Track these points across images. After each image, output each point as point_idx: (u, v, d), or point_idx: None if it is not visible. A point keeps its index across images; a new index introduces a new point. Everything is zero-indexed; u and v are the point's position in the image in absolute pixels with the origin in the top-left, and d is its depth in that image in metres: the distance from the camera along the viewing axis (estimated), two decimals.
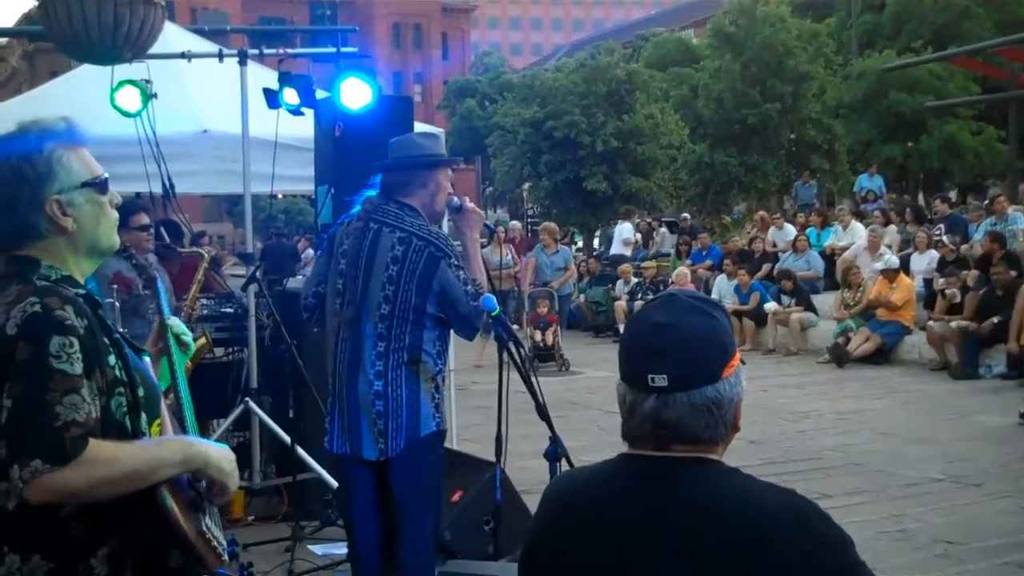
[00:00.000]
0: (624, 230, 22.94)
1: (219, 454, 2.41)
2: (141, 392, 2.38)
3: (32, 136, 2.38)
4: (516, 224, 20.22)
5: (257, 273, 7.07)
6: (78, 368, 2.18)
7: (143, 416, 2.37)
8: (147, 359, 2.56)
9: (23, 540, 2.20)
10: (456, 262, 4.38)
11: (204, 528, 2.35)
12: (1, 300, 2.25)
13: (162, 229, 8.07)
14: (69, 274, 2.38)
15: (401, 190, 4.51)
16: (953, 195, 30.29)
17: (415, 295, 4.33)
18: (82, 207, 2.38)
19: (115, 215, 2.49)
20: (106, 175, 2.46)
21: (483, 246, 5.40)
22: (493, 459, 4.83)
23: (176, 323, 2.83)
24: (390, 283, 4.35)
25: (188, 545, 2.30)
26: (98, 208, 2.42)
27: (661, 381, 1.92)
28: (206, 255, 7.57)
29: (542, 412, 4.28)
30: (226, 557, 2.39)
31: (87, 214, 2.40)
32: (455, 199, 4.65)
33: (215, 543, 2.37)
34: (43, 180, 2.33)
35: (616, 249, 22.62)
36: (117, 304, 5.42)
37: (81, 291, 2.36)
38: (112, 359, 2.31)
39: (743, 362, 2.04)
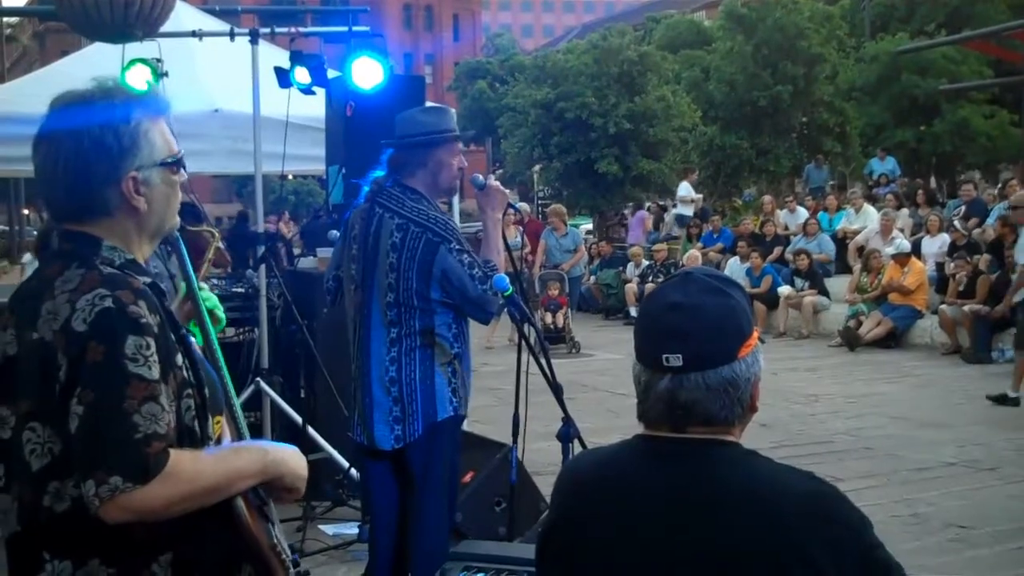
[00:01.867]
0: (683, 187, 22.61)
1: (295, 460, 2.24)
2: (207, 392, 2.20)
3: (120, 102, 2.16)
4: (524, 206, 20.13)
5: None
6: (155, 372, 1.99)
7: (210, 418, 2.20)
8: (192, 340, 2.34)
9: (76, 544, 2.02)
10: (457, 246, 4.25)
11: (275, 540, 2.22)
12: (60, 285, 2.04)
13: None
14: (133, 258, 2.17)
15: (403, 170, 4.42)
16: (976, 176, 30.18)
17: (415, 282, 4.24)
18: (157, 187, 2.18)
19: (180, 194, 2.29)
20: (182, 152, 2.28)
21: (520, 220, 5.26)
22: (504, 441, 4.83)
23: (208, 295, 2.61)
24: (391, 271, 4.28)
25: (263, 559, 2.16)
26: (171, 189, 2.23)
27: (676, 361, 1.91)
28: (216, 235, 7.57)
29: (557, 392, 4.26)
30: (292, 570, 2.24)
31: (160, 195, 2.20)
32: (479, 177, 4.54)
33: (284, 556, 2.22)
34: (125, 154, 2.12)
35: (678, 210, 22.17)
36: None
37: (148, 280, 2.15)
38: (180, 357, 2.12)
39: (762, 340, 2.01)
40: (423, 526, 4.37)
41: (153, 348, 2.00)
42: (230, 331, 7.79)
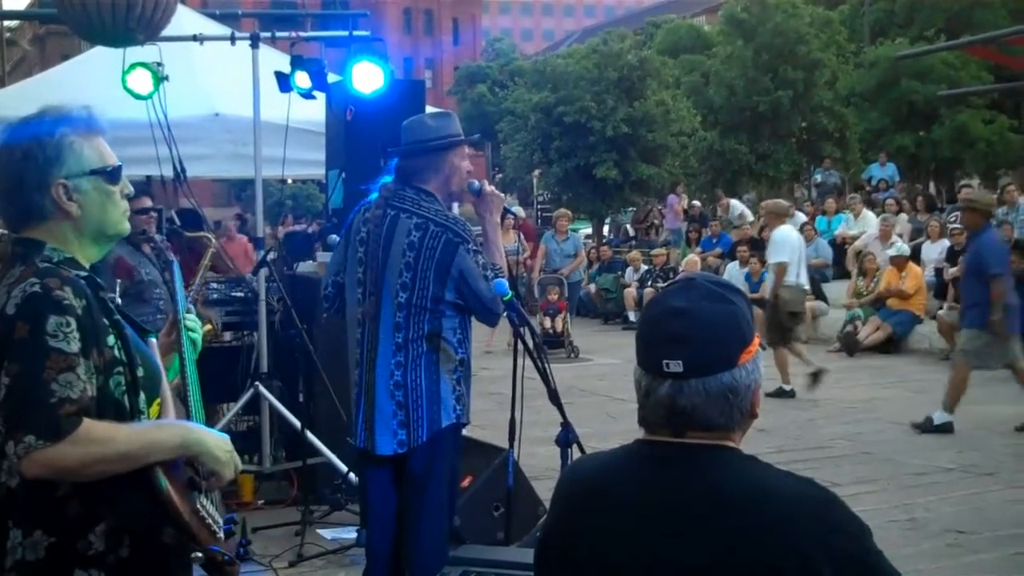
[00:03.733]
0: (736, 206, 22.19)
1: (215, 442, 2.43)
2: (140, 372, 2.42)
3: (47, 120, 2.43)
4: (519, 210, 20.12)
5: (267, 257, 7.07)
6: (74, 347, 2.22)
7: (142, 396, 2.42)
8: (152, 340, 2.59)
9: (25, 516, 2.27)
10: (475, 247, 4.30)
11: (198, 507, 2.38)
12: (5, 281, 2.31)
13: (173, 214, 8.08)
14: (72, 256, 2.42)
15: (416, 176, 4.42)
16: (975, 184, 30.17)
17: (433, 282, 4.25)
18: (88, 193, 2.42)
19: (125, 204, 2.53)
20: (119, 164, 2.50)
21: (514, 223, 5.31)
22: (502, 445, 4.83)
23: (191, 321, 2.82)
24: (407, 269, 4.28)
25: (182, 523, 2.32)
26: (105, 196, 2.46)
27: (676, 367, 1.91)
28: (213, 240, 7.57)
29: (554, 397, 4.26)
30: (221, 535, 2.42)
31: (93, 201, 2.43)
32: (476, 182, 4.58)
33: (209, 520, 2.39)
34: (50, 163, 2.38)
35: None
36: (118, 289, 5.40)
37: (83, 273, 2.40)
38: (111, 339, 2.35)
39: (763, 347, 2.02)
40: (421, 531, 4.36)
41: (74, 326, 2.24)
42: (228, 335, 7.80)
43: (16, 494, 2.25)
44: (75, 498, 2.27)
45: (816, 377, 11.00)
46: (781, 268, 11.22)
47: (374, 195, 4.50)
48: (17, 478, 2.22)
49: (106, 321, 2.36)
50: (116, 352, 2.36)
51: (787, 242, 11.39)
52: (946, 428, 9.16)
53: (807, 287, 11.93)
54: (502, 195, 4.73)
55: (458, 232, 4.29)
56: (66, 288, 2.27)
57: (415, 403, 4.28)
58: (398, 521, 4.44)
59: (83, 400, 2.20)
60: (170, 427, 2.45)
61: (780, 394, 10.98)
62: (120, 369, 2.36)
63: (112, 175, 2.48)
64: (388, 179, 4.49)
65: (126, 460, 2.25)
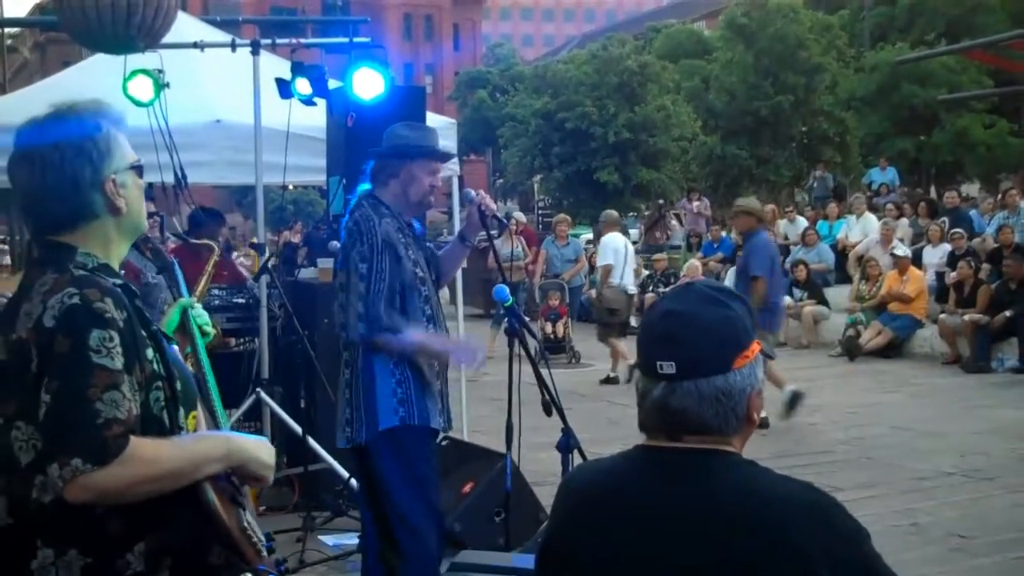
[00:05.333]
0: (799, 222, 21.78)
1: (258, 447, 2.36)
2: (179, 386, 2.33)
3: (88, 115, 2.35)
4: (520, 215, 20.06)
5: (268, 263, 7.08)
6: (118, 363, 2.12)
7: (180, 410, 2.33)
8: (175, 347, 2.52)
9: (58, 534, 2.14)
10: (366, 252, 4.32)
11: (245, 524, 2.30)
12: (36, 288, 2.19)
13: (196, 212, 8.17)
14: (106, 262, 2.32)
15: (377, 180, 4.56)
16: (975, 189, 30.19)
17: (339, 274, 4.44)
18: (130, 188, 2.37)
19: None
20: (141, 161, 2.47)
21: (495, 238, 5.37)
22: (503, 450, 4.82)
23: (199, 312, 2.78)
24: (340, 268, 4.47)
25: (232, 541, 2.24)
26: (139, 190, 2.41)
27: (669, 368, 1.93)
28: (216, 247, 7.58)
29: (548, 408, 4.28)
30: (265, 552, 2.34)
31: (134, 196, 2.38)
32: (470, 192, 4.69)
33: (255, 538, 2.31)
34: (102, 159, 2.31)
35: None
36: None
37: (119, 281, 2.30)
38: (150, 352, 2.25)
39: (770, 357, 2.02)
40: (396, 529, 4.35)
41: (117, 341, 2.13)
42: (232, 341, 7.79)
43: (48, 511, 2.11)
44: (115, 515, 2.14)
45: (630, 371, 11.77)
46: (606, 269, 13.06)
47: (352, 203, 4.63)
48: (52, 494, 2.09)
49: (144, 333, 2.25)
50: (155, 366, 2.25)
51: (612, 248, 13.21)
52: (796, 399, 9.72)
53: (630, 289, 13.36)
54: (494, 206, 4.78)
55: (353, 231, 4.37)
56: (107, 299, 2.17)
57: (356, 405, 4.39)
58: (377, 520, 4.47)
59: (130, 420, 2.10)
60: (212, 439, 2.38)
61: (608, 381, 12.66)
62: (159, 384, 2.26)
63: (141, 170, 2.43)
64: (366, 186, 4.60)
65: (174, 478, 2.16)
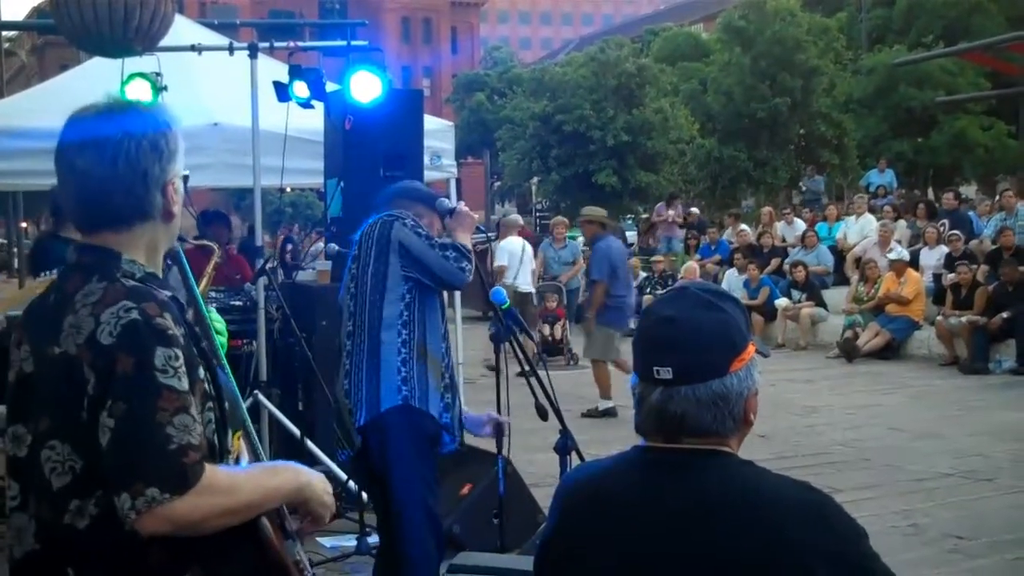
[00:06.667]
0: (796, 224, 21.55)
1: (323, 486, 2.23)
2: (226, 405, 2.20)
3: (158, 112, 2.23)
4: (517, 218, 20.06)
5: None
6: (184, 384, 1.97)
7: (229, 433, 2.21)
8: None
9: (95, 564, 1.99)
10: (412, 222, 4.40)
11: (298, 557, 2.22)
12: (81, 299, 2.02)
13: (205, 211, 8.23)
14: (153, 271, 2.17)
15: (390, 205, 4.61)
16: (973, 190, 30.22)
17: (372, 261, 4.38)
18: (181, 196, 2.23)
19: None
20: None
21: (491, 240, 5.40)
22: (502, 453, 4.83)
23: (213, 315, 2.66)
24: (354, 262, 4.48)
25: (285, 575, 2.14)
26: (184, 202, 2.28)
27: (666, 374, 1.93)
28: (217, 248, 7.58)
29: (541, 412, 4.30)
30: None
31: (181, 205, 2.25)
32: (445, 201, 4.72)
33: (307, 572, 2.24)
34: (171, 159, 2.17)
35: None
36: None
37: (169, 293, 2.15)
38: (202, 371, 2.10)
39: (765, 355, 2.03)
40: (397, 524, 4.37)
41: (181, 360, 1.98)
42: (240, 343, 7.80)
43: (83, 537, 1.96)
44: (158, 546, 1.96)
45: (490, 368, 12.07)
46: (500, 270, 13.77)
47: (357, 235, 4.65)
48: (88, 519, 1.95)
49: (195, 350, 2.10)
50: (207, 385, 2.10)
51: (509, 250, 14.16)
52: (610, 413, 10.42)
53: (523, 289, 14.10)
54: (474, 215, 4.81)
55: (391, 213, 4.45)
56: (166, 315, 2.01)
57: (356, 387, 4.38)
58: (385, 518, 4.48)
59: (203, 446, 1.95)
60: (284, 471, 2.20)
61: (489, 369, 12.88)
62: (211, 404, 2.10)
63: (186, 180, 2.30)
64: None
65: (248, 510, 2.03)
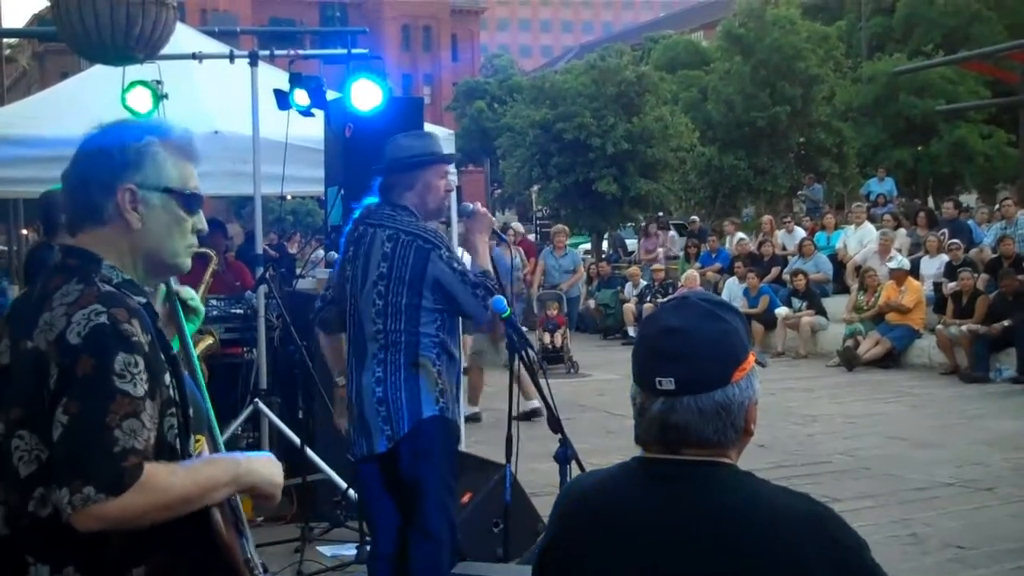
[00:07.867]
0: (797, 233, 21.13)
1: (267, 466, 2.31)
2: (190, 412, 2.27)
3: (141, 125, 2.35)
4: (518, 226, 20.08)
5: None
6: (140, 390, 2.05)
7: (191, 438, 2.28)
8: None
9: (56, 551, 2.08)
10: (447, 253, 4.42)
11: (249, 555, 2.25)
12: (59, 298, 2.12)
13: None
14: (131, 278, 2.25)
15: (392, 192, 4.57)
16: (973, 199, 30.21)
17: (407, 289, 4.38)
18: (155, 210, 2.26)
19: (193, 240, 2.35)
20: (200, 195, 2.36)
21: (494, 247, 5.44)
22: (502, 461, 4.83)
23: (187, 290, 2.68)
24: (381, 280, 4.42)
25: (237, 572, 2.19)
26: (173, 221, 2.30)
27: (668, 384, 1.93)
28: (214, 256, 7.57)
29: (553, 425, 4.31)
30: None
31: (158, 220, 2.27)
32: (468, 205, 4.72)
33: (257, 571, 2.27)
34: (125, 167, 2.23)
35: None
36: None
37: (143, 300, 2.24)
38: (167, 377, 2.18)
39: (763, 365, 2.03)
40: (428, 513, 4.37)
41: (142, 366, 2.07)
42: (240, 351, 7.79)
43: (45, 525, 2.06)
44: (116, 536, 2.06)
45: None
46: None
47: (356, 214, 4.66)
48: (50, 508, 2.05)
49: (163, 357, 2.18)
50: (171, 392, 2.18)
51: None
52: (475, 418, 10.34)
53: None
54: (492, 217, 4.85)
55: (428, 239, 4.42)
56: (134, 321, 2.09)
57: (395, 398, 4.38)
58: (399, 527, 4.46)
59: (147, 450, 2.03)
60: (222, 462, 2.29)
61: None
62: (173, 410, 2.19)
63: (189, 201, 2.32)
64: (372, 199, 4.63)
65: (185, 504, 2.09)
